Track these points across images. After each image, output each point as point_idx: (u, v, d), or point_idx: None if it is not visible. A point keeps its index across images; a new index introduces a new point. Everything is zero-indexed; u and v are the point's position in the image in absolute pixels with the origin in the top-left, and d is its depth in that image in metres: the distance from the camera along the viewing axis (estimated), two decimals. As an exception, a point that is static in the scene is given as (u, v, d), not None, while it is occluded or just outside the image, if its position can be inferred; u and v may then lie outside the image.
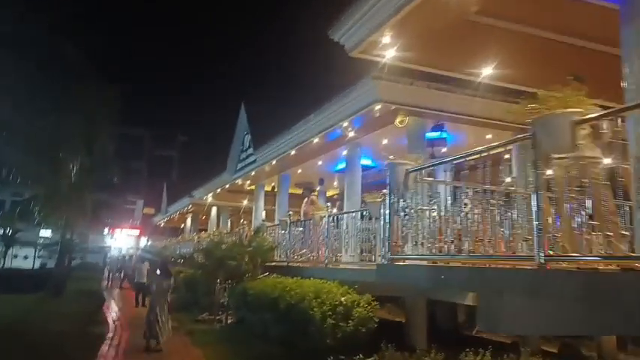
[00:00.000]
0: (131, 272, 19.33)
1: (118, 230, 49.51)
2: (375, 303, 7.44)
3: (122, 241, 49.70)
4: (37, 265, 30.27)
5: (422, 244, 5.00)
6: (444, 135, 11.28)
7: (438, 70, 7.06)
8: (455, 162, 5.06)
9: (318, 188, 20.72)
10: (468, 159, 4.95)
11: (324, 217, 10.06)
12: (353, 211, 8.97)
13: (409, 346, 8.29)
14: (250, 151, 16.76)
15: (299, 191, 20.28)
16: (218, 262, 12.69)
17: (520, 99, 3.81)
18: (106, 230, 46.84)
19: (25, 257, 30.55)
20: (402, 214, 5.44)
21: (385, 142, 12.61)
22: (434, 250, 4.89)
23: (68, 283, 19.96)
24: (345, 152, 13.85)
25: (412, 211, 5.28)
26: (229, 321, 12.93)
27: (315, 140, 11.65)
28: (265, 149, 14.98)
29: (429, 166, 5.48)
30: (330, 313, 7.21)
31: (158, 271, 10.72)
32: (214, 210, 27.16)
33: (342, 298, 7.43)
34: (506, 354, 6.75)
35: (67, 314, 12.22)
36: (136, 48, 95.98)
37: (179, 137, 59.64)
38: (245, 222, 15.53)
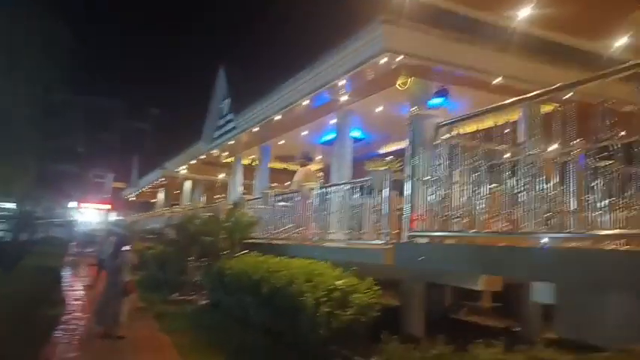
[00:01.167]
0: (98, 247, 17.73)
1: (86, 204, 47.52)
2: (378, 288, 6.35)
3: (91, 215, 47.72)
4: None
5: (458, 217, 3.89)
6: (446, 103, 10.19)
7: (466, 6, 5.84)
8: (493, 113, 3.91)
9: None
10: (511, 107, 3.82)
11: (314, 189, 8.91)
12: (351, 182, 7.81)
13: (406, 333, 7.37)
14: (229, 117, 15.30)
15: (280, 165, 19.06)
16: (191, 237, 11.44)
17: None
18: (73, 204, 44.78)
19: (-19, 230, 28.53)
20: (430, 178, 4.29)
21: (380, 109, 11.45)
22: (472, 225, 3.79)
23: (27, 259, 18.35)
24: (334, 121, 12.66)
25: (444, 175, 4.15)
26: (202, 302, 11.77)
27: (305, 103, 10.36)
28: (247, 114, 13.55)
29: (466, 118, 4.33)
30: (324, 299, 6.10)
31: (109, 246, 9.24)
32: (188, 184, 25.68)
33: (339, 282, 6.31)
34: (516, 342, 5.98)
35: (18, 293, 10.80)
36: (102, 12, 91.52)
37: (152, 110, 57.25)
38: (223, 195, 14.22)
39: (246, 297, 8.04)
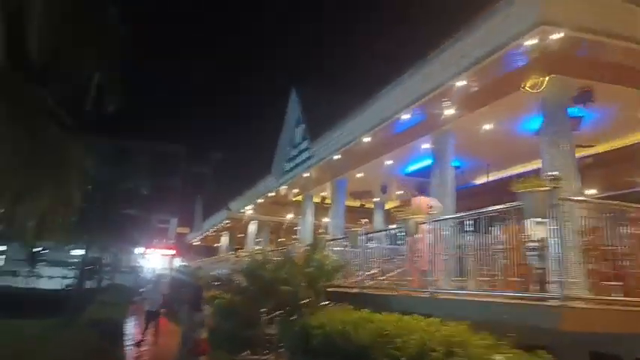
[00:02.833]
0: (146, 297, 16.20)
1: (151, 250, 47.49)
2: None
3: (156, 261, 47.60)
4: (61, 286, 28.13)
5: None
6: (582, 113, 8.08)
7: None
8: None
9: (377, 199, 17.64)
10: None
11: (425, 223, 6.96)
12: (487, 211, 5.77)
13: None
14: (304, 145, 13.67)
15: (355, 203, 17.26)
16: (266, 286, 9.70)
17: None
18: (139, 250, 44.80)
19: (50, 277, 28.49)
20: None
21: (487, 127, 9.46)
22: None
23: (90, 309, 17.25)
24: (426, 145, 10.78)
25: None
26: (279, 364, 9.88)
27: (404, 117, 8.53)
28: (327, 139, 11.63)
29: None
30: (483, 384, 4.07)
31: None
32: (252, 227, 24.32)
33: (498, 358, 4.27)
34: None
35: (75, 352, 9.34)
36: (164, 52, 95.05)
37: (214, 153, 57.80)
38: (295, 237, 12.51)
39: (345, 366, 6.11)
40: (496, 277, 5.62)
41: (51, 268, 30.76)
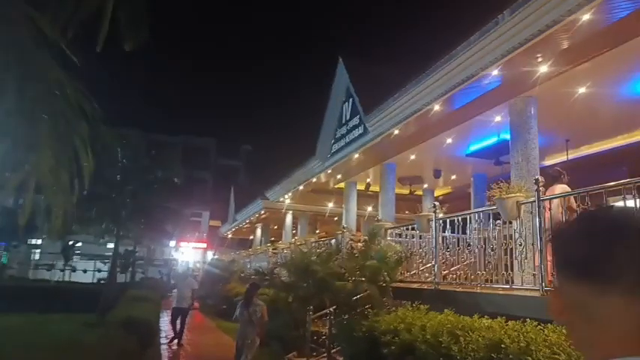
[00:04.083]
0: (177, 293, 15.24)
1: (184, 243, 47.11)
2: None
3: (188, 254, 47.28)
4: (93, 280, 27.74)
5: None
6: None
7: None
8: None
9: (425, 186, 16.13)
10: None
11: (527, 202, 5.51)
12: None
13: None
14: (354, 121, 12.22)
15: (404, 190, 15.77)
16: (318, 282, 8.43)
17: None
18: (172, 243, 44.41)
19: (84, 271, 28.09)
20: None
21: (580, 91, 7.87)
22: None
23: (121, 305, 16.26)
24: (498, 119, 9.27)
25: None
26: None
27: (494, 73, 6.98)
28: (386, 110, 9.93)
29: None
30: None
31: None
32: (289, 217, 23.13)
33: None
34: None
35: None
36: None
37: (247, 145, 57.00)
38: (345, 226, 11.18)
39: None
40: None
41: (86, 262, 30.49)
